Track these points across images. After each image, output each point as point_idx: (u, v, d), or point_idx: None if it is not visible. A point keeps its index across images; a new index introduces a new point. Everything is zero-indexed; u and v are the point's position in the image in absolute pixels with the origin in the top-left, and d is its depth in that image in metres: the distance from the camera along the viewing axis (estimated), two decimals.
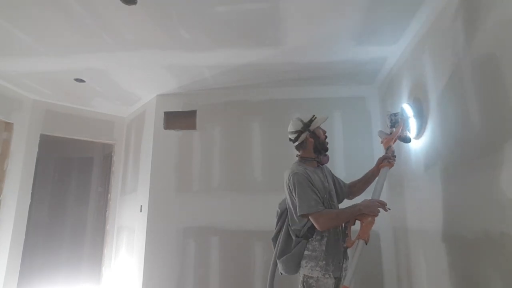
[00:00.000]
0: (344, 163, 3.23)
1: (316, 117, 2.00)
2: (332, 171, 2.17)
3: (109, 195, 4.26)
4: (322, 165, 2.04)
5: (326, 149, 2.03)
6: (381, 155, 2.14)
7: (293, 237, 1.89)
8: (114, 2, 2.06)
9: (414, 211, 2.51)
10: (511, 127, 1.37)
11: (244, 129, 3.47)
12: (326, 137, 2.03)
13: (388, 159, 2.07)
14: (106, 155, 4.75)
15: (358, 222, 1.79)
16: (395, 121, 2.31)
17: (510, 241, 1.38)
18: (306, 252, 1.83)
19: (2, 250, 3.35)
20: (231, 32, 2.43)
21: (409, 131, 2.34)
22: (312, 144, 1.99)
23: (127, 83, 3.37)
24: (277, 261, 1.90)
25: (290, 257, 1.85)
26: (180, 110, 3.63)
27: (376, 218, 1.76)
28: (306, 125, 1.99)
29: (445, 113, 1.94)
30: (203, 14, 2.21)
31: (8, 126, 3.49)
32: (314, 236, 1.84)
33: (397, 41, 2.52)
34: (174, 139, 3.57)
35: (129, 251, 3.72)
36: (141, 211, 3.56)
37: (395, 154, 2.13)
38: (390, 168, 2.06)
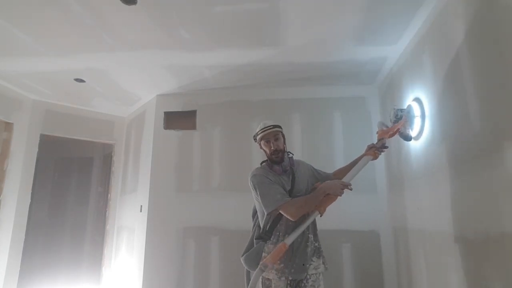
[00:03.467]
0: (344, 163, 3.22)
1: (259, 133, 2.00)
2: (312, 166, 2.18)
3: (109, 195, 4.26)
4: (286, 171, 1.99)
5: (275, 161, 1.97)
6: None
7: (254, 239, 1.97)
8: (114, 2, 2.06)
9: (414, 211, 2.51)
10: (511, 127, 1.37)
11: (244, 129, 3.47)
12: (275, 149, 1.96)
13: (374, 149, 2.04)
14: (106, 155, 4.75)
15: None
16: (400, 116, 2.26)
17: (510, 241, 1.38)
18: (263, 254, 1.87)
19: (2, 250, 3.35)
20: (231, 32, 2.43)
21: (411, 129, 2.32)
22: (265, 153, 2.05)
23: (127, 83, 3.37)
24: (241, 258, 1.97)
25: (248, 256, 1.92)
26: (180, 110, 3.63)
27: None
28: (255, 137, 2.06)
29: (445, 113, 1.94)
30: (203, 14, 2.21)
31: (8, 126, 3.49)
32: (271, 239, 1.88)
33: (397, 41, 2.52)
34: (174, 139, 3.57)
35: (129, 251, 3.72)
36: (141, 211, 3.56)
37: (386, 146, 2.09)
38: (373, 159, 2.04)
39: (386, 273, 3.05)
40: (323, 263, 1.96)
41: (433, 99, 2.10)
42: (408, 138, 2.31)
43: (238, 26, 2.36)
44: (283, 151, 2.00)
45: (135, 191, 3.80)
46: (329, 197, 1.85)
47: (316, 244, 1.95)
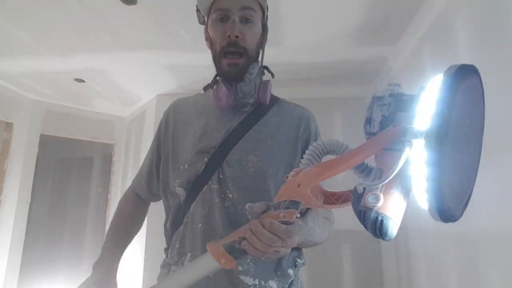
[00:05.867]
0: None
1: None
2: (316, 134, 1.02)
3: (109, 195, 4.26)
4: (242, 104, 0.93)
5: (224, 72, 0.91)
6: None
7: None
8: (114, 2, 2.06)
9: (414, 211, 2.50)
10: (511, 127, 1.37)
11: None
12: (233, 40, 0.88)
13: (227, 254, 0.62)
14: (106, 155, 4.75)
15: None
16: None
17: (510, 240, 1.38)
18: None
19: (2, 250, 3.35)
20: None
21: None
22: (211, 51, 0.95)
23: (127, 83, 3.37)
24: None
25: None
26: None
27: None
28: (198, 10, 1.04)
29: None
30: None
31: (8, 126, 3.49)
32: (168, 254, 0.94)
33: (397, 41, 2.52)
34: None
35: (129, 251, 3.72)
36: None
37: (287, 233, 0.61)
38: (227, 266, 0.62)
39: (386, 273, 3.05)
40: None
41: None
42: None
43: None
44: (251, 54, 0.93)
45: None
46: None
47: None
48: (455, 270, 1.87)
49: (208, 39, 0.97)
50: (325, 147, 0.66)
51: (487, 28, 1.52)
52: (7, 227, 3.40)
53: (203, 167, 0.86)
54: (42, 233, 4.99)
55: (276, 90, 0.93)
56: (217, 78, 0.96)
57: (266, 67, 1.02)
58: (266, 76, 1.03)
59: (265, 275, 0.81)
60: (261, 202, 0.63)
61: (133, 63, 2.93)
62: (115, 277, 0.92)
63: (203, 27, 1.09)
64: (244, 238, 0.60)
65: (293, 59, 2.85)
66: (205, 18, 0.99)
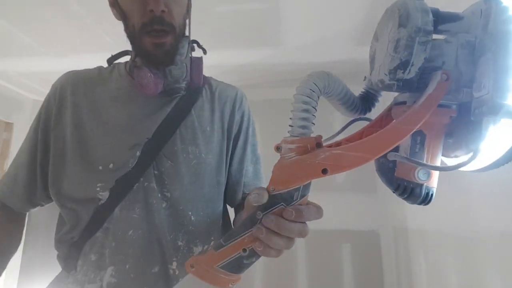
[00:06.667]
0: None
1: None
2: (254, 142, 0.93)
3: None
4: (172, 90, 0.79)
5: (148, 52, 0.79)
6: None
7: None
8: None
9: (414, 211, 2.51)
10: None
11: None
12: (158, 15, 0.74)
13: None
14: None
15: None
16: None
17: (511, 240, 1.38)
18: None
19: None
20: (231, 32, 2.43)
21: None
22: (125, 28, 0.82)
23: None
24: None
25: None
26: None
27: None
28: None
29: None
30: (203, 14, 2.21)
31: (8, 126, 3.49)
32: (77, 268, 0.75)
33: None
34: None
35: None
36: None
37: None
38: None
39: (386, 273, 3.05)
40: None
41: None
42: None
43: (238, 26, 2.35)
44: (179, 31, 0.85)
45: None
46: None
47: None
48: (455, 270, 1.88)
49: (116, 5, 0.75)
50: (320, 90, 0.51)
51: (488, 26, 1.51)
52: None
53: (134, 163, 0.70)
54: (42, 233, 4.99)
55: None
56: (135, 59, 0.77)
57: (195, 41, 0.86)
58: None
59: None
60: (261, 188, 0.50)
61: None
62: None
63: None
64: (249, 248, 0.48)
65: (293, 59, 2.85)
66: None
